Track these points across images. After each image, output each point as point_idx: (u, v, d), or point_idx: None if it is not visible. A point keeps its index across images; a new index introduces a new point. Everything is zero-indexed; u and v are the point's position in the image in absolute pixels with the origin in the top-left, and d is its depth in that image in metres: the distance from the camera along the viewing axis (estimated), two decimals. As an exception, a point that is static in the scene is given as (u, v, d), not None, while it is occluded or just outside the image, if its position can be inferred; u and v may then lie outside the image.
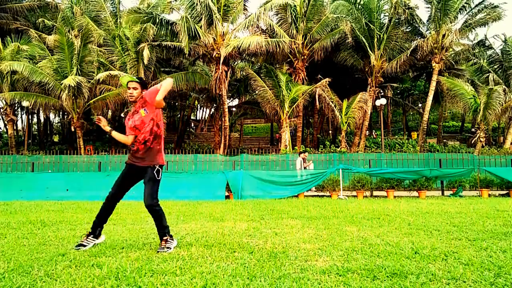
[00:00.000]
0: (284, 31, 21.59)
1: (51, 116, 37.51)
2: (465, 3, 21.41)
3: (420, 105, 39.50)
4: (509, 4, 21.93)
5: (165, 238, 3.66)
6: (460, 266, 2.94)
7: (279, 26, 21.97)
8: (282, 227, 5.08)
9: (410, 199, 10.32)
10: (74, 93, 19.86)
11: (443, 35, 21.62)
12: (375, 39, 21.75)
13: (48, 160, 16.05)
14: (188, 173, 12.31)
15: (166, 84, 3.56)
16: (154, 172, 3.69)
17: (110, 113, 33.40)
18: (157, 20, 20.82)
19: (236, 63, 27.97)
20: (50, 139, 35.86)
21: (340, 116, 20.75)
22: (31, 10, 26.02)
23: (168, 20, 21.12)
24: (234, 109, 34.35)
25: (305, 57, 22.31)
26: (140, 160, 3.75)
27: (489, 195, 11.18)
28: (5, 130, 34.78)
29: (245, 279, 2.62)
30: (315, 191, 12.48)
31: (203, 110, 52.71)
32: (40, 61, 20.62)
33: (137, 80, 3.74)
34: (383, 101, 22.32)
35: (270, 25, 21.83)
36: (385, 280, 2.60)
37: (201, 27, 19.97)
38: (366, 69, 22.86)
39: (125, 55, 20.88)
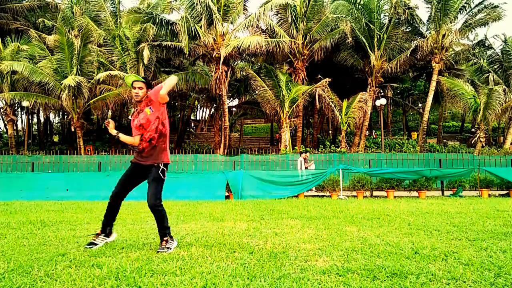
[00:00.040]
0: (284, 31, 21.60)
1: (51, 116, 37.53)
2: (465, 3, 21.41)
3: (420, 105, 39.50)
4: (509, 4, 21.94)
5: (165, 238, 3.66)
6: (460, 266, 2.94)
7: (279, 26, 21.97)
8: (282, 227, 5.08)
9: (410, 199, 10.32)
10: (74, 93, 19.86)
11: (443, 35, 21.62)
12: (375, 39, 21.75)
13: (48, 160, 16.04)
14: (188, 173, 12.31)
15: (170, 81, 3.60)
16: (159, 172, 3.69)
17: (110, 113, 33.41)
18: (157, 20, 20.82)
19: (236, 63, 27.97)
20: (50, 139, 35.86)
21: (340, 116, 20.75)
22: (31, 10, 26.02)
23: (168, 20, 21.12)
24: (234, 109, 34.35)
25: (305, 57, 22.32)
26: (145, 158, 3.75)
27: (489, 195, 11.18)
28: (5, 130, 34.78)
29: (245, 279, 2.62)
30: (315, 191, 12.48)
31: (203, 110, 52.74)
32: (40, 61, 20.62)
33: (142, 80, 3.75)
34: (383, 101, 22.32)
35: (270, 25, 21.83)
36: (385, 280, 2.60)
37: (201, 27, 19.97)
38: (366, 69, 22.86)
39: (125, 55, 20.88)
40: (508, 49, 23.49)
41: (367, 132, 28.74)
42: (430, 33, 22.34)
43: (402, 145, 25.81)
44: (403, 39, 23.14)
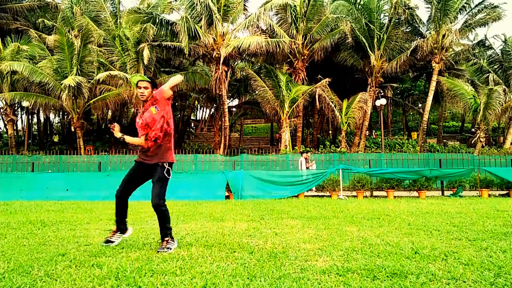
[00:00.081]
0: (284, 31, 21.60)
1: (51, 116, 37.52)
2: (465, 3, 21.41)
3: (420, 105, 39.50)
4: (509, 4, 21.94)
5: (166, 238, 3.66)
6: (460, 266, 2.94)
7: (279, 26, 21.98)
8: (282, 227, 5.08)
9: (410, 199, 10.32)
10: (74, 93, 19.87)
11: (443, 35, 21.62)
12: (375, 39, 21.75)
13: (48, 160, 16.05)
14: (188, 173, 12.31)
15: (175, 78, 3.71)
16: (164, 172, 3.70)
17: (110, 113, 33.42)
18: (157, 20, 20.82)
19: (236, 63, 27.97)
20: (50, 139, 35.86)
21: (340, 116, 20.75)
22: (31, 10, 26.02)
23: (168, 20, 21.12)
24: (234, 109, 34.35)
25: (305, 57, 22.32)
26: (150, 157, 3.75)
27: (489, 195, 11.18)
28: (5, 130, 34.78)
29: (245, 279, 2.62)
30: (315, 191, 12.49)
31: (203, 110, 52.74)
32: (40, 61, 20.63)
33: (148, 79, 3.78)
34: (383, 101, 22.32)
35: (270, 25, 21.83)
36: (385, 280, 2.60)
37: (201, 27, 19.97)
38: (366, 69, 22.86)
39: (125, 55, 20.88)
40: (508, 49, 23.49)
41: (367, 132, 28.74)
42: (430, 33, 22.34)
43: (402, 145, 25.81)
44: (403, 39, 23.15)
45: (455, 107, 27.13)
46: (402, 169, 12.13)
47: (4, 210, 7.53)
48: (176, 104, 33.63)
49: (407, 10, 21.17)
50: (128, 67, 20.79)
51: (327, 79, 20.98)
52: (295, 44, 21.79)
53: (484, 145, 22.18)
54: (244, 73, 28.17)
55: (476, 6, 21.52)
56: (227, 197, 11.16)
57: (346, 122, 20.99)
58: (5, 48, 21.52)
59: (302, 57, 22.25)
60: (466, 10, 21.78)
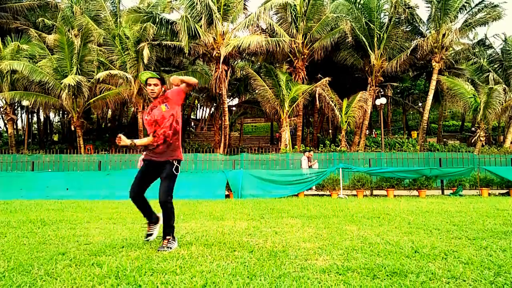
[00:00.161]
0: (284, 31, 21.59)
1: (51, 115, 37.54)
2: (465, 2, 21.39)
3: (420, 104, 39.51)
4: (509, 4, 21.92)
5: (168, 237, 3.66)
6: (460, 265, 2.94)
7: (279, 25, 21.97)
8: (282, 226, 5.08)
9: (410, 198, 10.32)
10: (74, 92, 19.87)
11: (443, 35, 21.61)
12: (375, 39, 21.74)
13: (48, 159, 16.05)
14: (188, 172, 12.31)
15: (190, 77, 3.76)
16: (173, 168, 3.72)
17: (110, 112, 33.43)
18: (157, 20, 20.82)
19: (236, 62, 27.97)
20: (50, 138, 35.87)
21: (340, 115, 20.75)
22: (31, 9, 26.02)
23: (168, 20, 21.12)
24: (234, 108, 34.35)
25: (305, 56, 22.31)
26: (159, 155, 3.76)
27: (489, 194, 11.19)
28: (5, 129, 34.79)
29: (245, 278, 2.62)
30: (315, 190, 12.49)
31: (203, 109, 52.69)
32: (40, 61, 20.63)
33: (157, 76, 3.82)
34: (383, 100, 22.32)
35: (270, 25, 21.83)
36: (385, 279, 2.60)
37: (201, 26, 19.96)
38: (366, 69, 22.85)
39: (125, 55, 20.88)
40: (508, 48, 23.48)
41: (367, 131, 28.75)
42: (430, 32, 22.33)
43: (402, 144, 25.78)
44: (403, 38, 23.14)
45: (455, 106, 27.13)
46: (402, 168, 12.13)
47: (4, 209, 7.53)
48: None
49: (407, 10, 21.16)
50: (128, 66, 20.78)
51: (327, 78, 20.97)
52: (295, 43, 21.78)
53: (484, 144, 22.18)
54: (244, 72, 28.18)
55: (476, 5, 21.52)
56: (227, 196, 11.17)
57: (346, 121, 20.99)
58: (5, 48, 21.52)
59: (302, 56, 22.24)
60: (466, 9, 21.77)
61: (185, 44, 19.35)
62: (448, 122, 41.47)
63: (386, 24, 22.00)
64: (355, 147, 22.69)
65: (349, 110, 20.77)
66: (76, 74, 19.53)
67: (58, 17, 24.02)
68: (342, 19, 21.14)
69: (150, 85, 3.77)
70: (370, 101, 22.37)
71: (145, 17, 20.83)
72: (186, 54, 21.60)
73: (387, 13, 22.30)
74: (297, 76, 22.35)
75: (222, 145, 22.30)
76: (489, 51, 24.95)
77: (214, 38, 20.54)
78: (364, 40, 21.00)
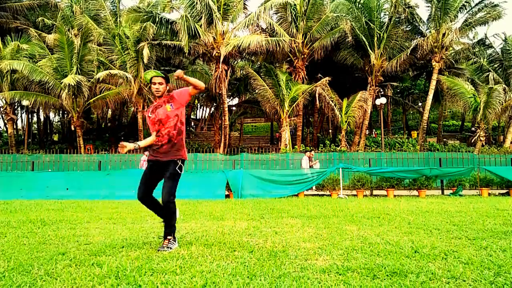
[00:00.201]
0: (284, 30, 21.59)
1: (51, 115, 37.54)
2: (465, 2, 21.40)
3: (420, 104, 39.50)
4: (509, 3, 21.93)
5: (169, 237, 3.66)
6: (460, 265, 2.94)
7: (279, 25, 21.97)
8: (282, 226, 5.08)
9: (410, 198, 10.32)
10: (74, 92, 19.86)
11: (443, 34, 21.62)
12: (375, 38, 21.74)
13: (48, 159, 16.05)
14: (188, 172, 12.31)
15: (199, 81, 3.76)
16: (177, 168, 3.71)
17: (110, 112, 33.41)
18: (157, 19, 20.82)
19: (236, 62, 27.97)
20: (50, 138, 35.87)
21: (340, 115, 20.75)
22: (31, 9, 26.01)
23: (168, 19, 21.11)
24: (234, 108, 34.35)
25: (305, 56, 22.31)
26: (163, 155, 3.75)
27: (489, 194, 11.18)
28: (5, 129, 34.79)
29: (245, 278, 2.62)
30: (315, 190, 12.49)
31: (203, 109, 52.65)
32: (40, 60, 20.63)
33: (162, 75, 3.80)
34: (383, 100, 22.32)
35: (270, 24, 21.83)
36: (385, 279, 2.60)
37: (201, 26, 19.96)
38: (366, 68, 22.85)
39: (125, 54, 20.88)
40: (508, 48, 23.47)
41: (367, 131, 28.75)
42: (430, 32, 22.33)
43: (402, 144, 25.79)
44: (403, 38, 23.15)
45: (455, 106, 27.13)
46: (402, 168, 12.13)
47: (4, 209, 7.53)
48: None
49: (407, 9, 21.17)
50: (128, 66, 20.79)
51: (327, 78, 20.97)
52: (295, 43, 21.78)
53: (484, 144, 22.18)
54: (244, 72, 28.19)
55: (476, 5, 21.53)
56: (227, 196, 11.17)
57: (346, 121, 20.99)
58: (5, 47, 21.52)
59: (302, 56, 22.24)
60: (466, 9, 21.77)
61: (185, 44, 19.35)
62: (448, 122, 41.48)
63: (386, 23, 22.00)
64: (355, 147, 22.70)
65: (349, 110, 20.77)
66: (76, 73, 19.53)
67: (58, 16, 24.02)
68: (342, 18, 21.14)
69: (155, 83, 3.76)
70: (370, 101, 22.37)
71: (145, 17, 20.83)
72: (186, 54, 21.59)
73: (387, 13, 22.31)
74: (297, 76, 22.35)
75: (222, 145, 22.31)
76: (489, 51, 24.95)
77: (214, 38, 20.53)
78: (364, 39, 21.00)
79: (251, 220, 5.70)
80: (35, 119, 38.80)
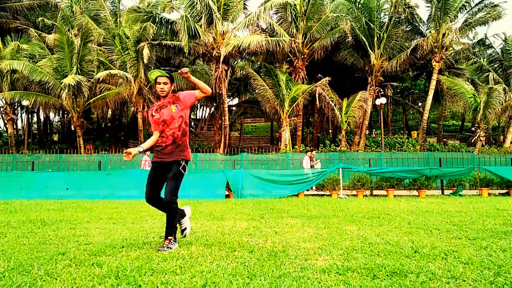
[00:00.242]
0: (284, 30, 21.59)
1: (51, 115, 37.54)
2: (465, 2, 21.40)
3: (420, 104, 39.50)
4: (509, 3, 21.92)
5: (170, 238, 3.66)
6: (460, 265, 2.94)
7: (279, 25, 21.97)
8: (282, 226, 5.08)
9: (410, 198, 10.32)
10: (74, 92, 19.86)
11: (443, 34, 21.62)
12: (375, 38, 21.74)
13: (48, 159, 16.05)
14: (188, 172, 12.28)
15: (206, 85, 3.81)
16: (180, 168, 3.73)
17: (110, 112, 33.41)
18: (157, 19, 20.82)
19: (236, 62, 27.98)
20: (50, 138, 35.87)
21: (340, 115, 20.75)
22: (31, 9, 26.02)
23: (168, 19, 21.12)
24: (234, 108, 34.35)
25: (305, 56, 22.31)
26: (167, 155, 3.76)
27: (489, 194, 11.19)
28: (5, 129, 34.79)
29: (245, 278, 2.62)
30: (315, 190, 12.49)
31: (203, 109, 52.69)
32: (40, 60, 20.63)
33: (167, 75, 3.81)
34: (383, 100, 22.33)
35: (270, 24, 21.83)
36: (385, 279, 2.60)
37: (201, 26, 19.96)
38: (366, 68, 22.86)
39: (125, 54, 20.88)
40: (508, 48, 23.48)
41: (367, 131, 28.75)
42: (430, 32, 22.34)
43: (402, 144, 25.80)
44: (403, 38, 23.15)
45: (455, 106, 27.14)
46: (402, 168, 12.13)
47: (4, 209, 7.53)
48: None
49: (407, 9, 21.17)
50: (128, 66, 20.79)
51: (327, 78, 20.98)
52: (295, 43, 21.78)
53: (484, 144, 22.18)
54: (244, 72, 28.19)
55: (476, 5, 21.53)
56: (227, 196, 11.17)
57: (346, 121, 20.99)
58: (5, 47, 21.52)
59: (302, 56, 22.24)
60: (466, 9, 21.77)
61: (185, 44, 19.35)
62: (448, 122, 41.48)
63: (386, 23, 22.01)
64: (355, 147, 22.69)
65: (349, 110, 20.77)
66: (76, 73, 19.53)
67: (58, 16, 24.03)
68: (342, 18, 21.15)
69: (159, 83, 3.76)
70: (370, 101, 22.37)
71: (145, 17, 20.83)
72: (186, 54, 21.59)
73: (387, 13, 22.31)
74: (297, 76, 22.35)
75: (222, 145, 22.31)
76: (489, 51, 24.95)
77: (214, 38, 20.54)
78: (364, 39, 21.00)
79: (251, 220, 5.70)
80: (35, 119, 38.81)
